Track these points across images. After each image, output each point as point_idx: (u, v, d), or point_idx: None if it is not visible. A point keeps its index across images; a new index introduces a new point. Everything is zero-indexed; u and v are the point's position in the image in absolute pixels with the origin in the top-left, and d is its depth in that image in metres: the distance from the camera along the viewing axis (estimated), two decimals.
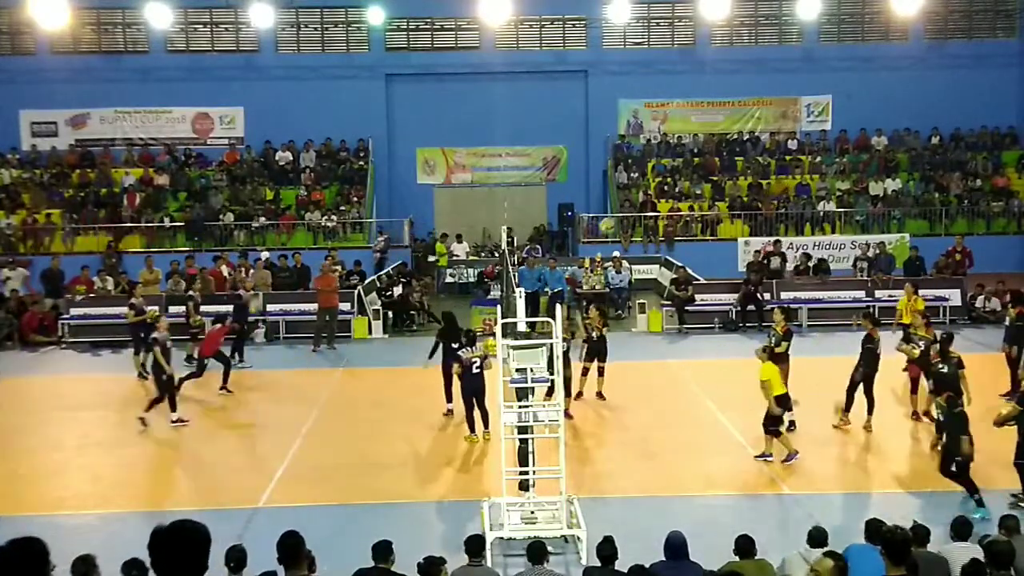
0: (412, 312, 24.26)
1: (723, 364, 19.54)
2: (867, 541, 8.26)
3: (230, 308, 20.41)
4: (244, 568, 8.07)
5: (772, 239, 27.95)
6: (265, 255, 25.73)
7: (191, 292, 21.37)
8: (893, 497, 12.42)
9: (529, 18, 34.01)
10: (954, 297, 23.64)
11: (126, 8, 32.99)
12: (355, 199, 32.06)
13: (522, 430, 11.33)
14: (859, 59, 34.14)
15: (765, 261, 25.53)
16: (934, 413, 13.82)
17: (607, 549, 8.44)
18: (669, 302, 23.66)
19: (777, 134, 34.76)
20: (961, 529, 8.64)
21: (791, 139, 34.53)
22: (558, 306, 12.53)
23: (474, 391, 14.64)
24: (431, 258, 30.15)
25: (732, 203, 31.70)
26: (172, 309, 22.26)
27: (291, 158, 33.52)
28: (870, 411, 14.96)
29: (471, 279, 29.05)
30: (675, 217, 31.06)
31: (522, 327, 14.10)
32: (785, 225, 30.91)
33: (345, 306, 22.85)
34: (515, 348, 11.60)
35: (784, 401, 13.63)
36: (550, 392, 12.76)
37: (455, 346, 15.31)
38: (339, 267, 24.57)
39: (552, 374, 11.46)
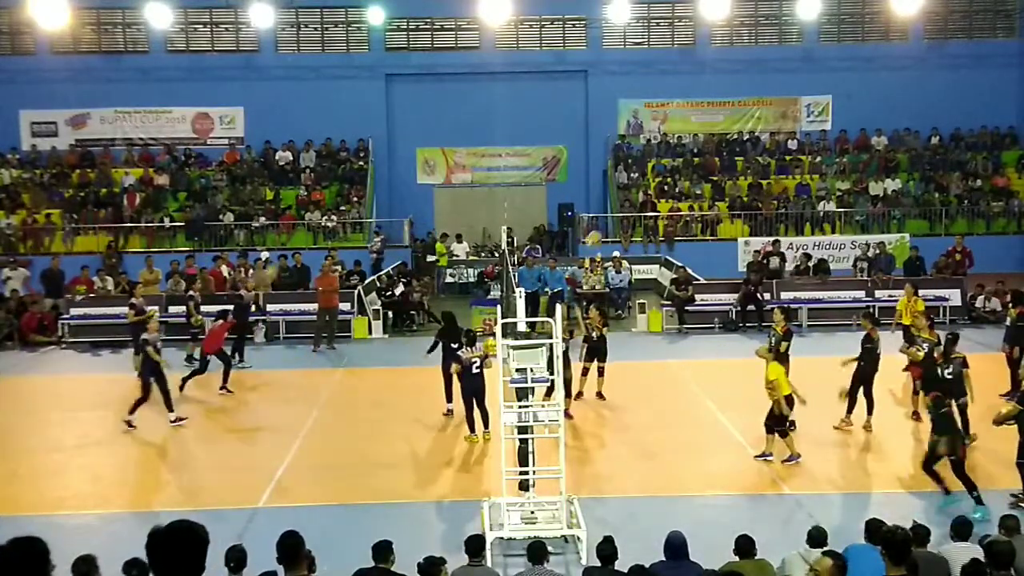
0: (412, 312, 24.27)
1: (723, 364, 19.55)
2: (867, 541, 8.27)
3: (230, 307, 20.41)
4: (244, 568, 8.06)
5: (772, 239, 27.96)
6: (265, 255, 25.71)
7: (191, 292, 21.37)
8: (893, 497, 12.40)
9: (529, 18, 34.01)
10: (954, 297, 23.64)
11: (126, 8, 33.00)
12: (355, 199, 32.06)
13: (522, 430, 11.32)
14: (859, 59, 34.13)
15: (765, 261, 25.54)
16: (922, 413, 13.81)
17: (607, 549, 8.44)
18: (669, 302, 23.66)
19: (777, 134, 34.76)
20: (961, 529, 8.65)
21: (791, 139, 34.53)
22: (558, 306, 12.53)
23: (474, 391, 14.64)
24: (431, 258, 30.13)
25: (732, 203, 31.70)
26: (172, 309, 22.36)
27: (291, 158, 33.53)
28: (870, 411, 14.96)
29: (471, 279, 29.07)
30: (675, 217, 31.06)
31: (522, 327, 14.11)
32: (785, 225, 30.90)
33: (345, 306, 22.87)
34: (515, 348, 11.59)
35: (790, 401, 13.63)
36: (549, 392, 12.77)
37: (455, 346, 15.31)
38: (339, 267, 24.58)
39: (552, 374, 11.46)
